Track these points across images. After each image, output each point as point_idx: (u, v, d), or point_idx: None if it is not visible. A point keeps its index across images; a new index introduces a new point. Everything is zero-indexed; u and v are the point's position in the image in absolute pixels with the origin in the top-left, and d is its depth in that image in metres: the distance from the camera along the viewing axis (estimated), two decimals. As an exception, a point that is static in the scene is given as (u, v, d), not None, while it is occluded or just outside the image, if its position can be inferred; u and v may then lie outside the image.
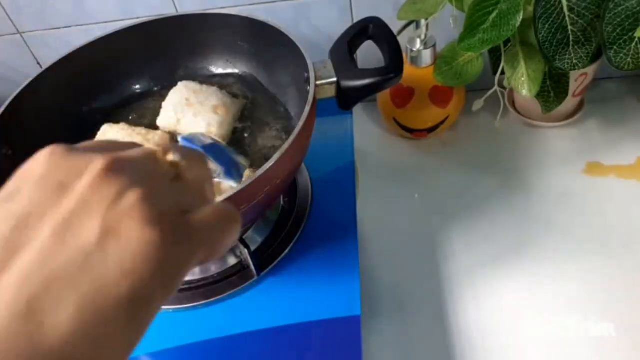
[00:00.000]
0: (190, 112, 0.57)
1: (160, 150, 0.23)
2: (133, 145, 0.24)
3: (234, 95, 0.61)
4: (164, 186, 0.22)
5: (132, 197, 0.19)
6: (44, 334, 0.17)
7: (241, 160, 0.52)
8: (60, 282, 0.18)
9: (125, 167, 0.20)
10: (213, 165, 0.46)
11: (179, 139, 0.49)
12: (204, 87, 0.60)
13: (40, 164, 0.20)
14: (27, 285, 0.17)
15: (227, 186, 0.50)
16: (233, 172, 0.48)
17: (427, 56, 0.63)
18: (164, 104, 0.59)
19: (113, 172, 0.20)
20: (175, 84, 0.60)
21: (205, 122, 0.57)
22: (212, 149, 0.48)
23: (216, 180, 0.46)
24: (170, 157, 0.23)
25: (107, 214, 0.19)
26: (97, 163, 0.20)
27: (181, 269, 0.20)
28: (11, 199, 0.20)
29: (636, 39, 0.50)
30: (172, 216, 0.20)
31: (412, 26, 0.63)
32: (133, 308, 0.19)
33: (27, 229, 0.19)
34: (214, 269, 0.56)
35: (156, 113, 0.60)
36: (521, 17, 0.49)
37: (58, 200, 0.19)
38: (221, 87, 0.61)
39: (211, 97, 0.59)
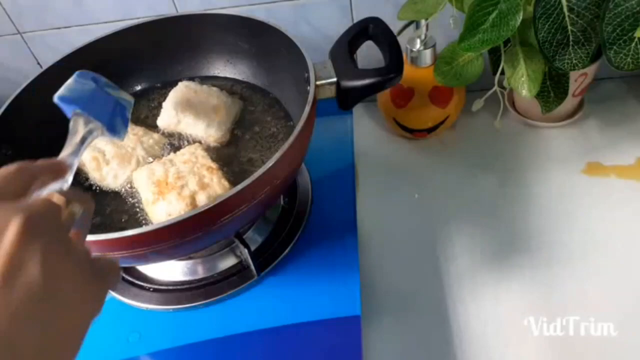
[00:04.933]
0: (190, 112, 0.57)
1: (63, 202, 0.29)
2: (32, 183, 0.29)
3: (234, 96, 0.62)
4: (66, 236, 0.28)
5: (55, 251, 0.26)
6: None
7: (125, 96, 0.49)
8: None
9: (40, 224, 0.26)
10: (93, 124, 0.43)
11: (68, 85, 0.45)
12: (204, 87, 0.60)
13: None
14: None
15: (222, 190, 0.49)
16: (117, 125, 0.46)
17: (427, 56, 0.64)
18: (164, 104, 0.59)
19: (32, 233, 0.25)
20: (175, 84, 0.60)
21: (205, 122, 0.57)
22: (95, 100, 0.45)
23: (99, 137, 0.44)
24: (71, 208, 0.30)
25: (44, 268, 0.24)
26: (15, 223, 0.25)
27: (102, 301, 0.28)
28: None
29: (636, 39, 0.50)
30: (85, 263, 0.28)
31: (412, 26, 0.63)
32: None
33: None
34: (214, 269, 0.56)
35: (156, 113, 0.60)
36: (521, 17, 0.49)
37: None
38: (221, 87, 0.62)
39: (211, 97, 0.59)
